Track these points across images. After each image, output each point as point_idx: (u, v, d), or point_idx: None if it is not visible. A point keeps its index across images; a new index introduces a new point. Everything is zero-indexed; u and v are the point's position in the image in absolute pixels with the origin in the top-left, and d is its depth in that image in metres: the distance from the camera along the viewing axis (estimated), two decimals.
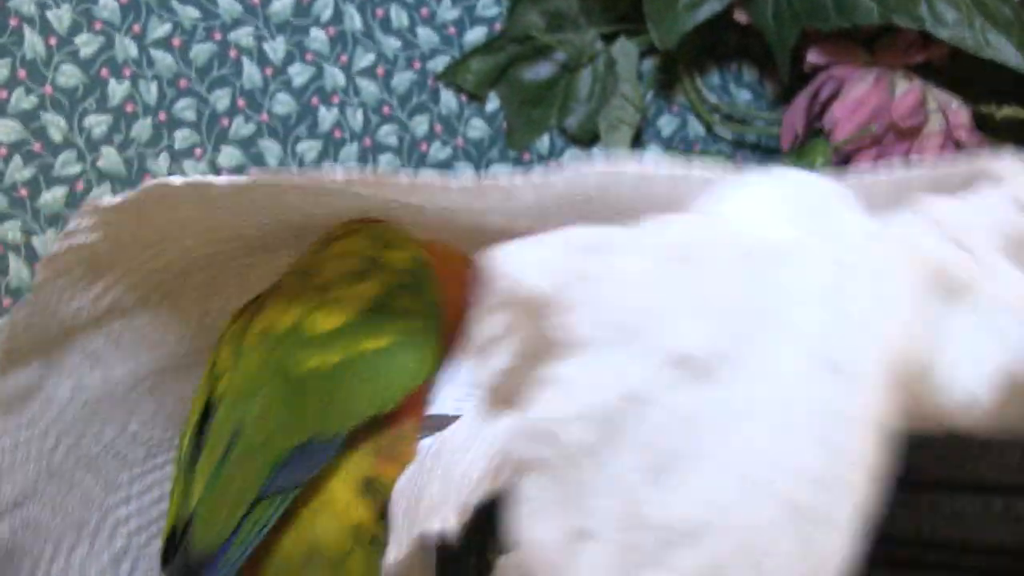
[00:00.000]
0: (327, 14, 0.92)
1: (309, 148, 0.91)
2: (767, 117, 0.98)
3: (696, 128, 0.99)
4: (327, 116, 0.91)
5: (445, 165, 0.94)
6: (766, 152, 1.00)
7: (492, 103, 0.95)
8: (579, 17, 0.94)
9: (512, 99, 0.95)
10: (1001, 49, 0.82)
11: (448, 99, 0.94)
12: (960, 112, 0.87)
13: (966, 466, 0.50)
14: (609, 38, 0.95)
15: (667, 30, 0.89)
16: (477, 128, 0.95)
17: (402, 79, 0.93)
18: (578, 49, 0.94)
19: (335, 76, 0.92)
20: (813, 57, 0.89)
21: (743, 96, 1.00)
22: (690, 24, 0.89)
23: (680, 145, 0.98)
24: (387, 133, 0.93)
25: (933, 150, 0.87)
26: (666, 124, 0.98)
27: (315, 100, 0.91)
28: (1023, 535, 0.50)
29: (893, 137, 0.87)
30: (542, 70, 0.95)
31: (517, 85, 0.95)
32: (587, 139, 0.95)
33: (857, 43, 0.90)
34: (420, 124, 0.94)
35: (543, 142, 0.96)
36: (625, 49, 0.93)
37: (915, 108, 0.86)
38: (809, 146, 0.89)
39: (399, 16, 0.93)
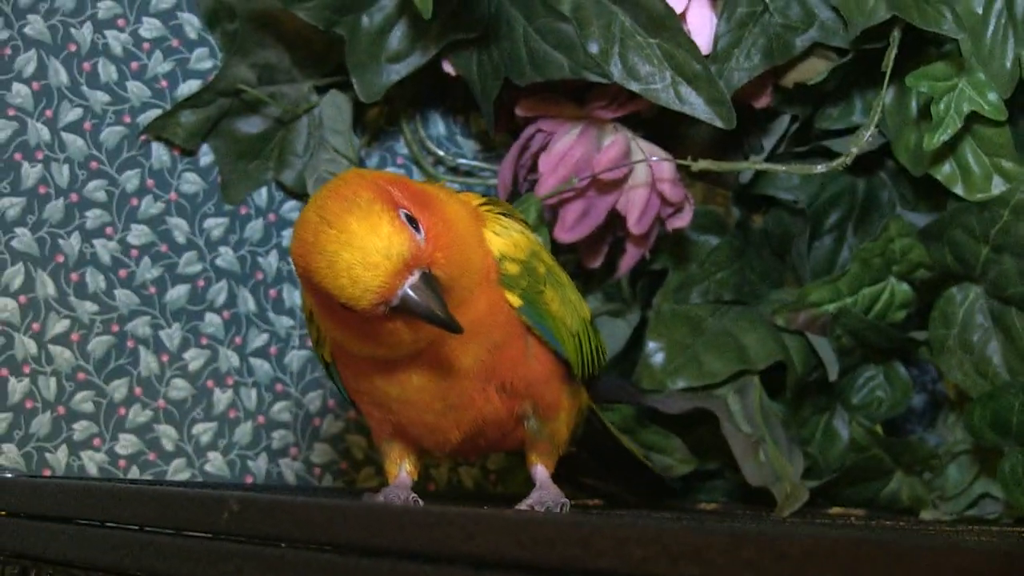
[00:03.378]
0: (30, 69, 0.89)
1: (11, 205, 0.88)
2: (494, 169, 0.97)
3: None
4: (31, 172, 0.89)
5: (157, 220, 0.92)
6: None
7: (206, 156, 0.93)
8: (292, 69, 0.92)
9: (226, 152, 0.93)
10: (692, 102, 0.82)
11: (160, 152, 0.92)
12: (664, 165, 0.86)
13: None
14: (325, 90, 0.93)
15: (370, 83, 0.87)
16: (190, 182, 0.93)
17: (111, 133, 0.91)
18: (292, 102, 0.92)
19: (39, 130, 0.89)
20: (521, 110, 0.89)
21: (470, 147, 0.99)
22: (394, 77, 0.87)
23: None
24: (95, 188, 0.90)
25: (639, 203, 0.86)
26: None
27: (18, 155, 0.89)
28: None
29: (595, 191, 0.87)
30: (256, 123, 0.93)
31: (231, 137, 0.93)
32: (304, 192, 0.93)
33: (567, 96, 0.89)
34: (131, 179, 0.91)
35: (260, 195, 0.94)
36: (335, 101, 0.92)
37: (617, 160, 0.86)
38: (523, 200, 0.87)
39: (107, 70, 0.91)
